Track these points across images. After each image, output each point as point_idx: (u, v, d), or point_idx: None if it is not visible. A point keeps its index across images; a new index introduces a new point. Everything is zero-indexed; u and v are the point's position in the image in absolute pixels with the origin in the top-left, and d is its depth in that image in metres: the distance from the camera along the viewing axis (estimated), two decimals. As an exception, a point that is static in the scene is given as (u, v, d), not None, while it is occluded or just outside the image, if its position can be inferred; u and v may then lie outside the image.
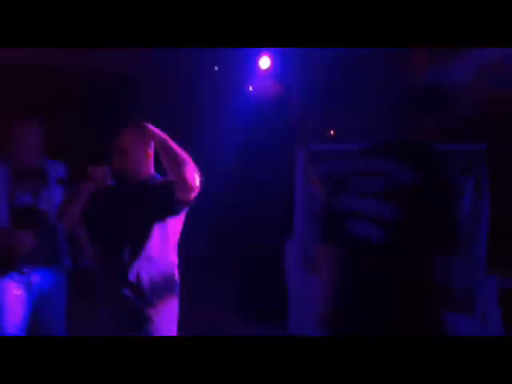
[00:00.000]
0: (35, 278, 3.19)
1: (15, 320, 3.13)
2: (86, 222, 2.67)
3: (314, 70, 4.30)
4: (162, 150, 2.40)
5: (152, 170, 2.66)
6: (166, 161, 2.39)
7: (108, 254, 2.56)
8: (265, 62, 4.67)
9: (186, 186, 2.36)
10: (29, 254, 3.11)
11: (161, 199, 2.46)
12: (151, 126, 2.42)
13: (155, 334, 2.45)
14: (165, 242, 2.53)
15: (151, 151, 2.60)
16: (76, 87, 4.86)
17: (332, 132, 4.72)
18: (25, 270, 3.15)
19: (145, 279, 2.46)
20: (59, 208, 2.68)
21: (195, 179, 2.38)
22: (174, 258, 2.59)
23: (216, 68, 4.89)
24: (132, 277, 2.45)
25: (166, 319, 2.51)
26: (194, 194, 2.42)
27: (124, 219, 2.52)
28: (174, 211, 2.48)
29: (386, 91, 3.91)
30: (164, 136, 2.42)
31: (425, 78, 2.77)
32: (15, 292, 3.13)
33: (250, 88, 4.82)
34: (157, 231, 2.48)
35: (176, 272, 2.61)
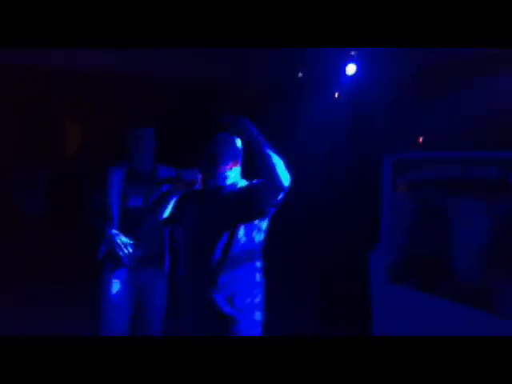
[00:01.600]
0: (142, 277, 3.36)
1: (121, 316, 3.34)
2: (175, 224, 2.76)
3: (401, 77, 4.20)
4: (257, 150, 2.42)
5: (239, 175, 2.71)
6: (260, 160, 2.42)
7: (195, 258, 2.61)
8: (351, 68, 4.61)
9: (277, 187, 2.40)
10: (136, 254, 3.29)
11: (249, 202, 2.51)
12: (250, 124, 2.45)
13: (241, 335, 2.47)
14: (251, 246, 2.56)
15: (241, 154, 2.67)
16: (180, 94, 5.10)
17: (420, 140, 4.57)
18: (133, 268, 3.33)
19: (231, 283, 2.51)
20: (148, 207, 2.81)
21: (287, 180, 2.42)
22: (259, 262, 2.62)
23: (300, 74, 4.88)
24: (218, 280, 2.50)
25: (252, 321, 2.53)
26: (282, 196, 2.46)
27: (211, 223, 2.57)
28: (261, 214, 2.53)
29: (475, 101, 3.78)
30: (260, 136, 2.44)
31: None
32: (123, 288, 3.33)
33: (336, 95, 4.78)
34: (243, 235, 2.53)
35: (261, 275, 2.63)
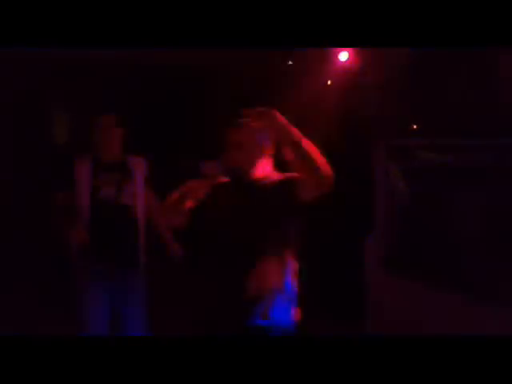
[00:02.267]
0: (117, 273, 3.25)
1: (99, 316, 3.21)
2: (195, 221, 2.41)
3: (394, 63, 4.16)
4: (293, 144, 2.08)
5: (271, 167, 2.38)
6: (297, 155, 2.09)
7: (218, 260, 2.34)
8: (343, 55, 4.57)
9: (319, 183, 2.09)
10: (109, 248, 3.17)
11: (281, 199, 2.20)
12: (280, 115, 2.12)
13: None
14: (285, 248, 2.27)
15: (271, 145, 2.34)
16: (166, 82, 4.99)
17: (414, 126, 4.55)
18: (108, 265, 3.21)
19: (264, 292, 2.23)
20: (165, 204, 2.46)
21: (330, 176, 2.09)
22: (294, 264, 2.32)
23: (290, 62, 4.82)
24: (246, 286, 2.22)
25: (286, 328, 2.29)
26: (323, 193, 2.14)
27: (237, 222, 2.28)
28: (295, 213, 2.25)
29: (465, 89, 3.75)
30: (293, 128, 2.11)
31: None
32: (99, 288, 3.21)
33: (329, 82, 4.72)
34: (277, 235, 2.25)
35: (295, 278, 2.33)
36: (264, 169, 2.34)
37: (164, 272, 3.29)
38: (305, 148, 2.08)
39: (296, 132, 2.11)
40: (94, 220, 3.19)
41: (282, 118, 2.11)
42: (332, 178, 2.10)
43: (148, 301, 3.38)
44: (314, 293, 5.01)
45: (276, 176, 2.34)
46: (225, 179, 2.37)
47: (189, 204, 2.34)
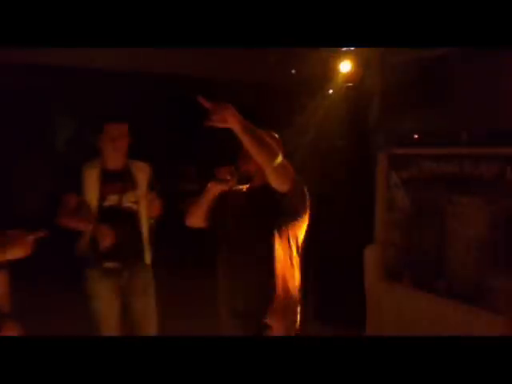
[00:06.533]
0: (125, 272, 3.30)
1: (110, 312, 3.27)
2: (212, 224, 2.52)
3: (394, 71, 4.18)
4: (247, 145, 2.14)
5: None
6: (249, 145, 2.14)
7: (231, 263, 2.39)
8: (345, 65, 4.59)
9: (278, 175, 2.18)
10: (116, 249, 3.21)
11: (272, 203, 2.27)
12: (236, 113, 2.14)
13: None
14: (287, 253, 2.35)
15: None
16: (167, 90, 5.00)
17: (416, 136, 4.55)
18: (115, 263, 3.26)
19: (267, 294, 2.30)
20: (186, 209, 2.54)
21: (282, 180, 2.19)
22: (296, 273, 2.40)
23: (293, 71, 4.86)
24: (251, 288, 2.30)
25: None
26: (288, 186, 2.21)
27: (250, 226, 2.35)
28: (289, 214, 2.32)
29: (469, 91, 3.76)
30: (250, 127, 2.16)
31: None
32: (108, 285, 3.26)
33: (330, 91, 4.75)
34: (279, 240, 2.32)
35: (297, 287, 2.41)
36: None
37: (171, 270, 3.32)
38: (257, 139, 2.13)
39: (248, 125, 2.15)
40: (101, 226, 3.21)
41: (237, 116, 2.15)
42: (283, 167, 2.17)
43: (158, 298, 3.44)
44: (315, 302, 5.03)
45: None
46: (239, 185, 2.44)
47: (204, 208, 2.45)
